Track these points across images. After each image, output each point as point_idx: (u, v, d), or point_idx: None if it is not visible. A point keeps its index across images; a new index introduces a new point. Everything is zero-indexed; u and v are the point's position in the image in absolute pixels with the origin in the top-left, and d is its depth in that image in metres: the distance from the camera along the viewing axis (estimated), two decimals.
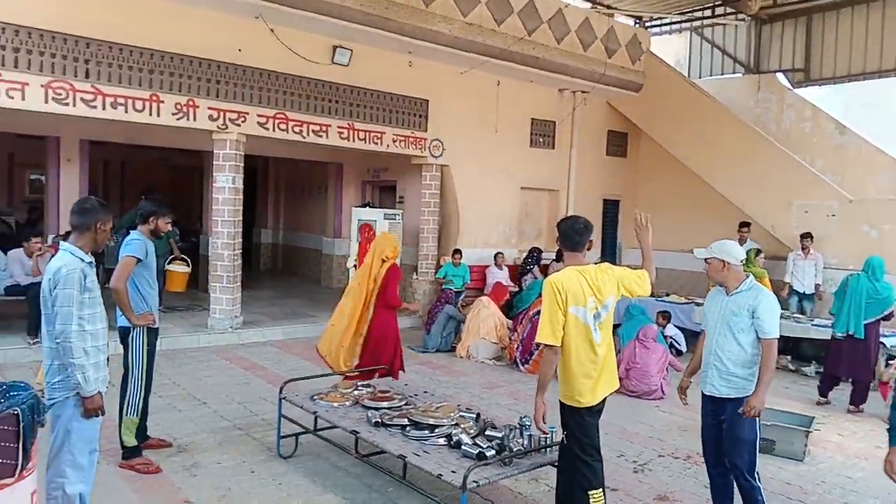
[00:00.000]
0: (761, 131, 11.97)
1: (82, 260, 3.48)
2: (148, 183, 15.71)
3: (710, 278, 4.15)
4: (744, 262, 4.14)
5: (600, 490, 3.70)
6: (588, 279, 3.68)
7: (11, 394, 3.10)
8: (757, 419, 3.90)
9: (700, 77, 14.83)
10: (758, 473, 3.97)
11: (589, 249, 3.87)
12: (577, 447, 3.71)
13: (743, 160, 11.67)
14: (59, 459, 3.46)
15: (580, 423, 3.72)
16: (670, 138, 12.80)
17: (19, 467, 2.81)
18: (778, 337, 3.91)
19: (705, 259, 4.11)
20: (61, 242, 3.65)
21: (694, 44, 15.33)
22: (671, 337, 9.19)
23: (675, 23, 15.31)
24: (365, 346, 6.05)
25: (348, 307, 6.09)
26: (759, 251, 9.39)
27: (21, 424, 2.82)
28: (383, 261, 6.06)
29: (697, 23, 14.89)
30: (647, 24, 14.90)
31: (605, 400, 3.77)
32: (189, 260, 9.69)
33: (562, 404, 3.78)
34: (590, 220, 3.86)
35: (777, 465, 5.50)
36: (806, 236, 10.27)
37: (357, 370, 5.94)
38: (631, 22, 14.26)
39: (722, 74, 14.86)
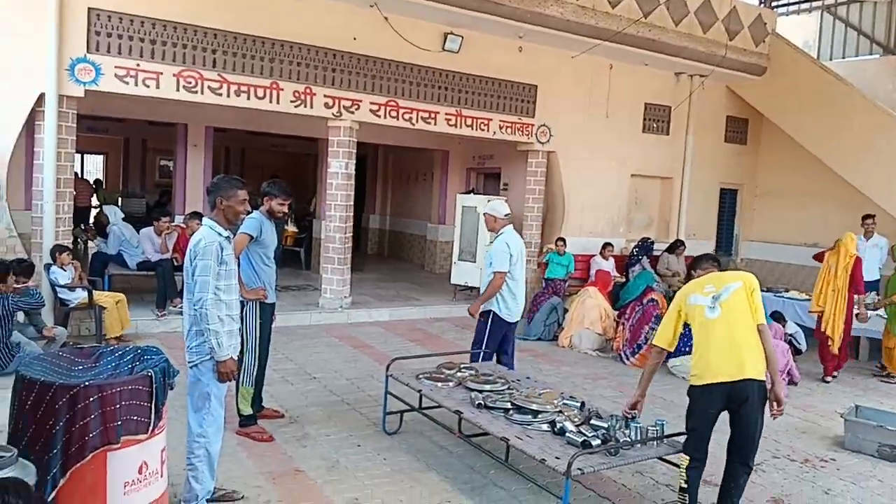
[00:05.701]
0: None
1: (219, 234, 3.70)
2: (273, 171, 16.64)
3: (488, 230, 5.86)
4: (508, 216, 5.70)
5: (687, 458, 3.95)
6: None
7: (145, 357, 3.35)
8: (486, 325, 5.66)
9: (831, 59, 13.81)
10: (482, 353, 5.68)
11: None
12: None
13: (878, 148, 10.76)
14: (204, 421, 3.68)
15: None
16: (796, 125, 12.00)
17: (152, 425, 3.04)
18: (500, 271, 5.50)
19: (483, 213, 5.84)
20: (204, 217, 3.89)
21: (825, 23, 14.28)
22: (792, 335, 8.66)
23: (804, 1, 14.33)
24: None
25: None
26: None
27: (154, 386, 3.05)
28: (850, 256, 7.42)
29: (830, 1, 13.86)
30: (773, 4, 14.03)
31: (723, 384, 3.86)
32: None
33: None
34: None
35: None
36: (868, 217, 9.62)
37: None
38: (755, 1, 13.47)
39: (857, 56, 13.77)
